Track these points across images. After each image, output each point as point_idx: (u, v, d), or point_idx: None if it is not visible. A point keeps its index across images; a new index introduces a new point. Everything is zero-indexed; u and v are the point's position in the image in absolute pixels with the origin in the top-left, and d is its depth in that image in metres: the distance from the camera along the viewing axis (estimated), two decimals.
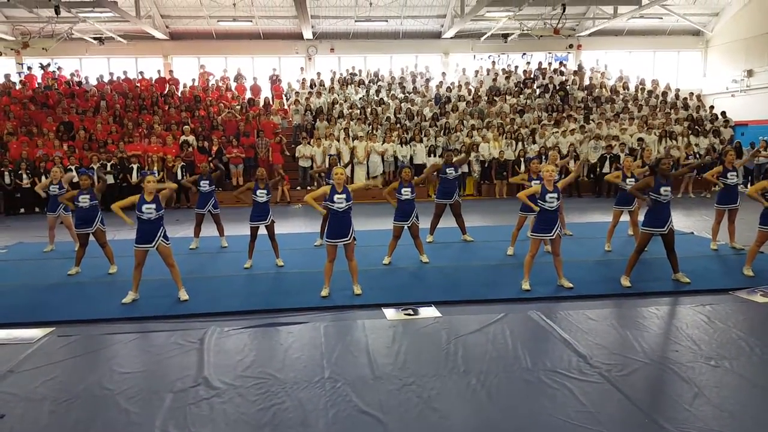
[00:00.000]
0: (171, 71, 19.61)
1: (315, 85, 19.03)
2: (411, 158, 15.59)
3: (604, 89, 19.51)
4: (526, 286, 6.34)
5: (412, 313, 5.72)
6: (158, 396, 4.00)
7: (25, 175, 13.67)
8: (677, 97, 19.11)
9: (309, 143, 15.44)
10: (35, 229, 10.96)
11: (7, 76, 18.32)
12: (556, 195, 6.20)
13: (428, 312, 5.73)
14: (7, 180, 13.74)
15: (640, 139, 15.57)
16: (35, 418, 3.75)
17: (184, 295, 6.22)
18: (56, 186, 8.78)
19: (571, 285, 6.34)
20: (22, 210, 13.96)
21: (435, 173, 9.04)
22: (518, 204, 7.76)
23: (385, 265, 7.58)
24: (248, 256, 7.66)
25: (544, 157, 14.89)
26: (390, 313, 5.73)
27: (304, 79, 19.56)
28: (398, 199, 7.58)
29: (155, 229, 6.01)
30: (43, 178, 11.69)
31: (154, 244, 6.02)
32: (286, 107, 18.45)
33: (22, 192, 13.70)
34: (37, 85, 18.45)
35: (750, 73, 18.46)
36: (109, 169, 14.02)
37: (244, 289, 6.73)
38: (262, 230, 7.66)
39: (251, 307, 6.01)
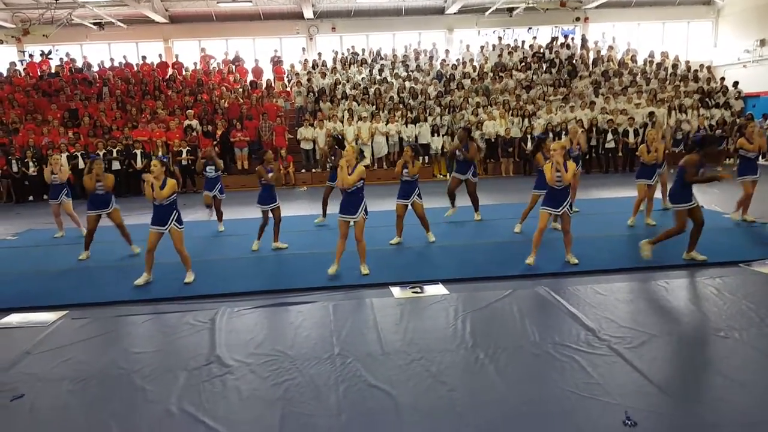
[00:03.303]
0: (177, 55, 19.47)
1: (317, 66, 18.86)
2: (416, 138, 15.49)
3: (611, 63, 19.20)
4: (530, 260, 6.32)
5: (419, 291, 5.74)
6: (172, 374, 4.07)
7: (31, 163, 13.73)
8: (688, 69, 18.77)
9: (311, 125, 15.37)
10: (44, 216, 11.04)
11: (12, 64, 18.29)
12: (559, 174, 6.09)
13: (436, 290, 5.75)
14: (15, 168, 13.82)
15: (651, 113, 15.35)
16: (54, 397, 3.84)
17: (189, 277, 6.27)
18: (56, 175, 8.83)
19: (576, 261, 6.33)
20: (31, 197, 14.06)
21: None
22: (527, 182, 7.70)
23: (394, 245, 7.59)
24: (257, 238, 7.69)
25: (556, 133, 14.76)
26: (397, 291, 5.76)
27: (306, 60, 19.39)
28: (400, 179, 7.56)
29: (167, 214, 6.08)
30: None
31: (166, 227, 6.08)
32: (288, 89, 18.33)
33: (30, 180, 13.79)
34: (40, 73, 18.42)
35: (763, 43, 18.04)
36: (114, 155, 14.06)
37: (252, 270, 6.78)
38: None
39: (260, 287, 6.07)
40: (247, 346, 4.51)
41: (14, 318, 5.40)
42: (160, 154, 14.03)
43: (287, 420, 3.43)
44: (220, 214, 9.05)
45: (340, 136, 10.89)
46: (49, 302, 5.80)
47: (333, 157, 8.74)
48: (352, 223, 6.21)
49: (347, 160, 6.11)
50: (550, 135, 14.19)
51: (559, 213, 6.26)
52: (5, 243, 8.86)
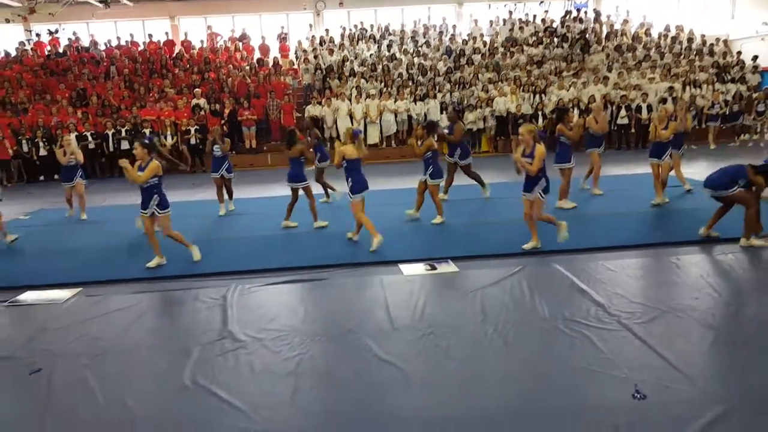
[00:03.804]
0: (186, 33, 19.31)
1: (324, 42, 18.64)
2: (425, 115, 15.34)
3: (625, 37, 18.78)
4: (528, 245, 6.12)
5: (429, 268, 5.75)
6: (186, 349, 4.13)
7: (41, 143, 13.81)
8: (703, 42, 18.32)
9: (320, 103, 15.26)
10: (55, 196, 11.14)
11: (21, 44, 18.26)
12: (530, 160, 5.81)
13: (446, 267, 5.76)
14: (25, 148, 13.91)
15: (671, 88, 15.02)
16: (70, 371, 3.92)
17: (195, 254, 6.26)
18: (72, 157, 8.90)
19: (527, 247, 6.07)
20: (41, 177, 14.17)
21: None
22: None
23: (409, 218, 7.59)
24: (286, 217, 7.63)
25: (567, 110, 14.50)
26: (407, 268, 5.77)
27: (313, 37, 19.15)
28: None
29: (148, 197, 5.94)
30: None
31: (148, 211, 5.99)
32: (295, 67, 18.16)
33: (41, 160, 13.88)
34: (47, 52, 18.38)
35: None
36: (123, 134, 14.09)
37: (262, 248, 6.81)
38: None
39: (271, 265, 6.10)
40: (259, 321, 4.57)
41: (30, 295, 5.49)
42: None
43: (299, 393, 3.49)
44: (230, 193, 9.07)
45: (316, 118, 10.83)
46: (63, 280, 5.89)
47: (309, 139, 8.66)
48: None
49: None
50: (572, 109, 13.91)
51: (531, 198, 5.96)
52: (18, 222, 8.96)
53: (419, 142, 7.48)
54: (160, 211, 6.01)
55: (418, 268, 5.74)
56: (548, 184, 5.93)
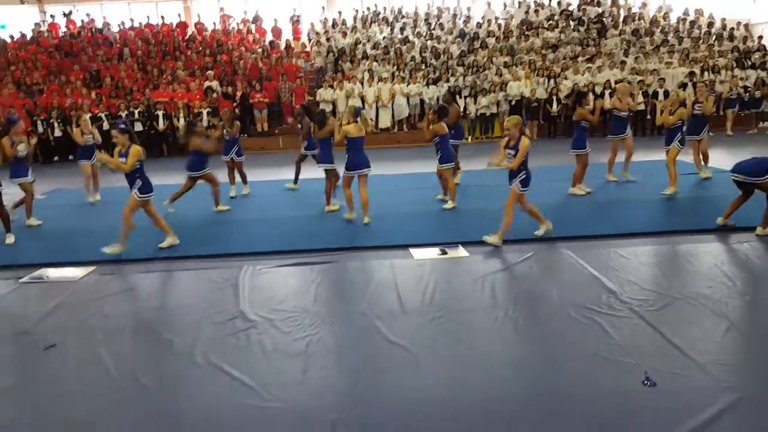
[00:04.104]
0: (198, 15, 19.24)
1: (337, 25, 18.47)
2: (438, 99, 15.20)
3: (643, 21, 18.38)
4: (539, 232, 6.05)
5: (441, 252, 5.74)
6: (198, 327, 4.19)
7: (56, 124, 13.91)
8: (723, 27, 17.88)
9: (331, 86, 15.17)
10: (70, 176, 11.26)
11: (37, 25, 18.32)
12: (513, 152, 5.69)
13: (456, 252, 5.74)
14: (40, 129, 14.02)
15: (692, 73, 14.70)
16: (85, 347, 4.00)
17: (172, 240, 6.16)
18: (90, 136, 8.88)
19: (488, 240, 5.91)
20: (56, 158, 14.31)
21: None
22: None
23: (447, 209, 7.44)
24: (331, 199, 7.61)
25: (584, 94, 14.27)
26: (418, 253, 5.77)
27: (325, 19, 18.99)
28: None
29: (131, 181, 5.87)
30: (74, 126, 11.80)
31: (132, 192, 5.92)
32: (308, 49, 18.05)
33: (56, 140, 14.00)
34: (61, 34, 18.44)
35: None
36: (136, 116, 14.15)
37: (274, 231, 6.84)
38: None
39: (282, 247, 6.12)
40: (270, 302, 4.60)
41: (45, 273, 5.58)
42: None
43: (309, 373, 3.52)
44: (243, 176, 9.10)
45: (307, 106, 10.86)
46: (78, 258, 5.97)
47: (301, 126, 8.64)
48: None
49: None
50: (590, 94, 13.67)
51: (510, 186, 5.87)
52: (35, 202, 9.05)
53: (430, 127, 7.42)
54: (140, 196, 5.86)
55: (429, 253, 5.73)
56: (528, 178, 5.76)
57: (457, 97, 14.32)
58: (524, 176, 5.73)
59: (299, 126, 8.91)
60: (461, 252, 5.73)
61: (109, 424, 3.10)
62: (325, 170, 7.42)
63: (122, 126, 6.00)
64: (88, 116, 9.18)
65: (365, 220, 6.78)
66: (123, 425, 3.08)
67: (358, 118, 6.63)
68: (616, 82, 14.83)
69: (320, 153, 7.41)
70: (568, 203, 7.53)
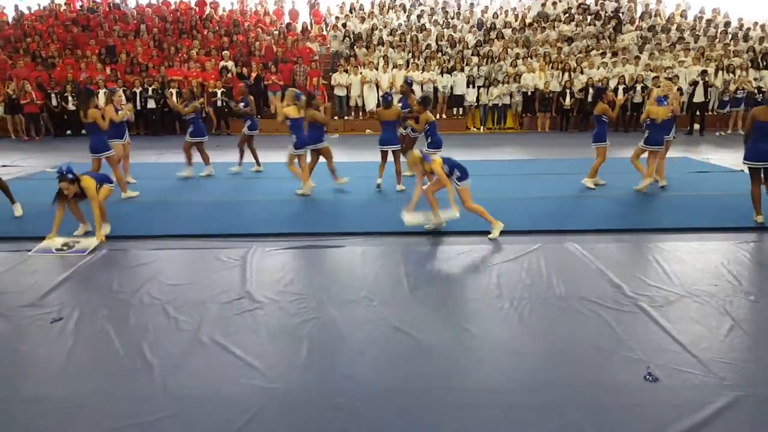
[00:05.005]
0: None
1: (354, 10, 18.35)
2: (451, 88, 15.11)
3: (659, 17, 18.09)
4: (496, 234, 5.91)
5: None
6: (204, 306, 4.23)
7: (70, 98, 13.98)
8: (740, 26, 17.57)
9: (346, 71, 15.11)
10: (82, 150, 11.31)
11: None
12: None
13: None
14: (54, 102, 14.11)
15: (704, 71, 14.50)
16: (91, 322, 4.03)
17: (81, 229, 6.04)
18: (127, 112, 8.10)
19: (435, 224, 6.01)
20: (69, 132, 14.41)
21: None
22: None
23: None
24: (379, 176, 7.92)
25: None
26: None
27: (343, 3, 18.87)
28: None
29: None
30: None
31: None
32: (324, 33, 17.96)
33: (69, 114, 14.08)
34: (78, 7, 18.45)
35: None
36: (150, 93, 14.19)
37: (283, 212, 6.88)
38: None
39: (291, 230, 6.16)
40: (277, 284, 4.64)
41: (54, 244, 5.65)
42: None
43: (313, 355, 3.56)
44: (255, 154, 9.22)
45: (248, 82, 11.27)
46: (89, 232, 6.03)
47: (238, 104, 9.09)
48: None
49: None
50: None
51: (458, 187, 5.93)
52: (45, 175, 9.16)
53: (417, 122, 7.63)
54: (110, 184, 6.08)
55: (419, 217, 5.87)
56: (463, 173, 5.83)
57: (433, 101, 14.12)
58: (459, 173, 5.82)
59: (246, 106, 9.08)
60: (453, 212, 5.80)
61: (113, 400, 3.11)
62: (382, 152, 7.75)
63: (70, 177, 5.68)
64: (121, 90, 9.10)
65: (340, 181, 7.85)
66: (128, 401, 3.08)
67: (298, 102, 7.39)
68: (631, 76, 14.67)
69: (381, 135, 7.72)
70: (572, 196, 7.52)
